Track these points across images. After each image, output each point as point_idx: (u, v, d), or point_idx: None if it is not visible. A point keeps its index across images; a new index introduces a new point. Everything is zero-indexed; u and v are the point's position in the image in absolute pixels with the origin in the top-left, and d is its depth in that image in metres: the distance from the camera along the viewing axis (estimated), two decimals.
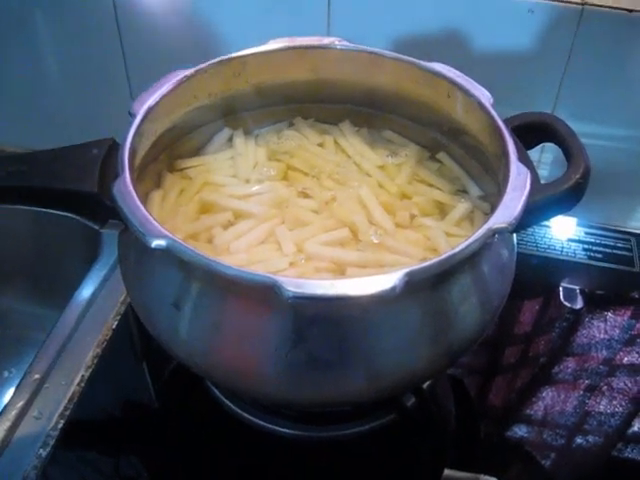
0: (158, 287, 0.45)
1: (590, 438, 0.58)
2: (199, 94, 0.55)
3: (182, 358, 0.47)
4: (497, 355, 0.65)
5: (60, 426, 0.57)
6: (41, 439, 0.56)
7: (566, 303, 0.70)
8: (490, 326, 0.49)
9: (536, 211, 0.46)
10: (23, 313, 0.86)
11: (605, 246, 0.76)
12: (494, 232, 0.42)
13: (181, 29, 0.73)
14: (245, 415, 0.57)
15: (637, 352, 0.65)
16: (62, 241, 0.80)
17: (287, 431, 0.56)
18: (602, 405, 0.61)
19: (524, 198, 0.44)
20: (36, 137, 0.74)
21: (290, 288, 0.37)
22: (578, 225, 0.79)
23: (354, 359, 0.42)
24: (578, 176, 0.47)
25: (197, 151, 0.59)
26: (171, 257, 0.41)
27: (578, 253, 0.75)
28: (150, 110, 0.49)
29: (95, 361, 0.62)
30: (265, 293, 0.38)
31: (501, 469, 0.56)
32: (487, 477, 0.55)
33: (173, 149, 0.57)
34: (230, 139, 0.60)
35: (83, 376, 0.60)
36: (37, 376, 0.60)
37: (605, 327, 0.68)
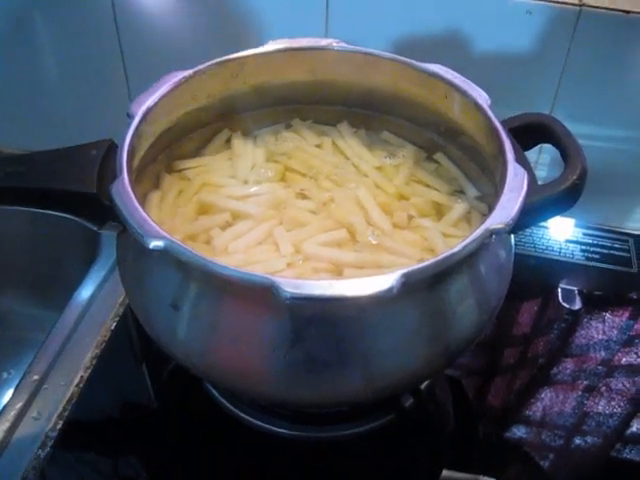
0: (156, 288, 0.45)
1: (588, 439, 0.58)
2: (197, 95, 0.55)
3: (180, 359, 0.47)
4: (496, 356, 0.66)
5: (59, 427, 0.57)
6: (40, 440, 0.56)
7: (564, 304, 0.70)
8: (488, 326, 0.49)
9: (533, 212, 0.46)
10: (22, 314, 0.86)
11: (603, 247, 0.76)
12: (491, 233, 0.42)
13: (179, 30, 0.73)
14: (243, 415, 0.57)
15: (635, 353, 0.66)
16: (61, 242, 0.80)
17: (285, 431, 0.56)
18: (600, 406, 0.61)
19: (521, 199, 0.44)
20: (34, 138, 0.74)
21: (288, 289, 0.37)
22: (576, 226, 0.79)
23: (352, 359, 0.42)
24: (575, 177, 0.47)
25: (195, 152, 0.59)
26: (169, 258, 0.41)
27: (576, 254, 0.75)
28: (149, 111, 0.49)
29: (94, 362, 0.62)
30: (263, 294, 0.38)
31: (499, 470, 0.56)
32: (485, 478, 0.55)
33: (172, 150, 0.57)
34: (228, 140, 0.60)
35: (82, 377, 0.60)
36: (36, 377, 0.60)
37: (603, 328, 0.68)
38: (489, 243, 0.44)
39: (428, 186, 0.57)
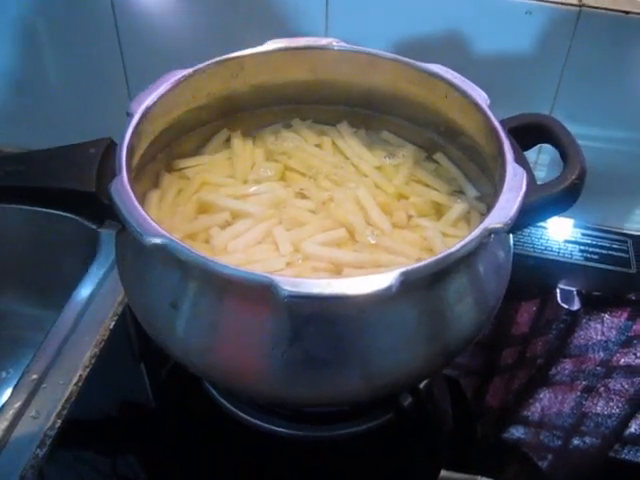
0: (155, 287, 0.45)
1: (587, 439, 0.58)
2: (197, 94, 0.55)
3: (179, 357, 0.47)
4: (494, 356, 0.66)
5: (58, 426, 0.57)
6: (39, 439, 0.56)
7: (563, 304, 0.70)
8: (486, 326, 0.49)
9: (532, 212, 0.46)
10: (21, 314, 0.86)
11: (602, 247, 0.76)
12: (490, 232, 0.42)
13: (179, 29, 0.73)
14: (242, 415, 0.57)
15: (634, 353, 0.66)
16: (60, 241, 0.80)
17: (283, 430, 0.56)
18: (599, 406, 0.61)
19: (520, 198, 0.44)
20: (34, 137, 0.74)
21: (287, 287, 0.37)
22: (575, 226, 0.79)
23: (350, 358, 0.43)
24: (574, 177, 0.47)
25: (195, 151, 0.59)
26: (168, 257, 0.41)
27: (575, 254, 0.75)
28: (148, 110, 0.49)
29: (93, 361, 0.62)
30: (262, 292, 0.38)
31: (498, 470, 0.56)
32: (484, 478, 0.55)
33: (171, 149, 0.57)
34: (228, 139, 0.60)
35: (81, 376, 0.60)
36: (35, 376, 0.60)
37: (602, 328, 0.68)
38: (488, 243, 0.44)
39: (427, 186, 0.57)
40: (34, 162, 0.47)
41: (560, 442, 0.58)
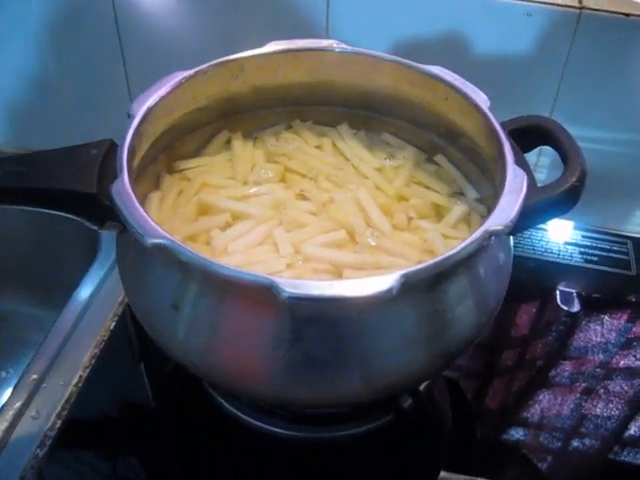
0: (156, 288, 0.45)
1: (587, 441, 0.58)
2: (198, 96, 0.55)
3: (180, 358, 0.47)
4: (494, 358, 0.66)
5: (58, 426, 0.57)
6: (39, 439, 0.56)
7: (563, 306, 0.70)
8: (486, 328, 0.49)
9: (532, 214, 0.46)
10: (21, 314, 0.86)
11: (602, 249, 0.76)
12: (490, 234, 0.42)
13: (180, 30, 0.73)
14: (242, 415, 0.57)
15: (634, 355, 0.66)
16: (60, 242, 0.80)
17: (283, 432, 0.56)
18: (599, 408, 0.61)
19: (520, 201, 0.44)
20: (35, 138, 0.74)
21: (287, 289, 0.37)
22: (575, 228, 0.79)
23: (351, 360, 0.43)
24: (574, 179, 0.47)
25: (196, 152, 0.59)
26: (169, 258, 0.41)
27: (575, 256, 0.75)
28: (149, 111, 0.49)
29: (93, 361, 0.62)
30: (262, 294, 0.38)
31: (497, 472, 0.56)
32: None
33: (172, 150, 0.57)
34: (228, 141, 0.60)
35: (81, 376, 0.60)
36: (35, 376, 0.60)
37: (602, 330, 0.68)
38: (488, 245, 0.44)
39: (428, 188, 0.57)
40: (35, 163, 0.48)
41: (560, 444, 0.58)
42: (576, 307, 0.70)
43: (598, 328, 0.68)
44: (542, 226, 0.78)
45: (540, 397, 0.61)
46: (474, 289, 0.45)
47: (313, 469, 0.56)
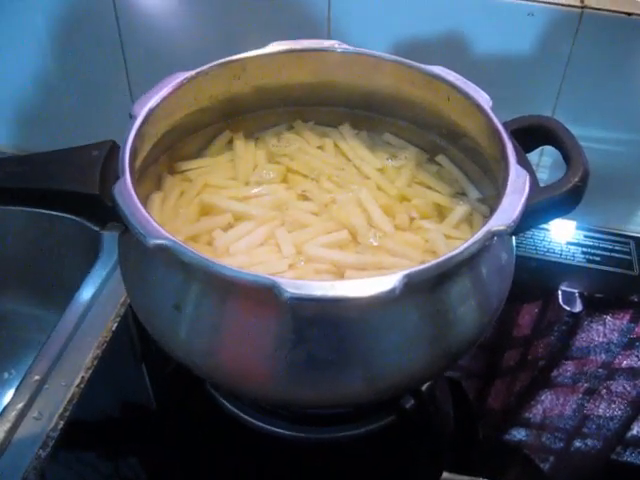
0: (158, 288, 0.45)
1: (589, 442, 0.58)
2: (200, 96, 0.55)
3: (182, 359, 0.47)
4: (496, 358, 0.65)
5: (60, 427, 0.57)
6: (41, 440, 0.56)
7: (565, 306, 0.70)
8: (489, 328, 0.49)
9: (535, 214, 0.46)
10: (23, 315, 0.87)
11: (604, 249, 0.76)
12: (493, 234, 0.42)
13: (182, 31, 0.73)
14: (243, 416, 0.57)
15: (636, 355, 0.65)
16: (62, 242, 0.80)
17: (285, 432, 0.56)
18: (601, 408, 0.61)
19: (523, 201, 0.44)
20: (36, 139, 0.74)
21: (289, 289, 0.37)
22: (577, 228, 0.79)
23: (353, 360, 0.43)
24: (577, 179, 0.47)
25: (198, 153, 0.59)
26: (171, 258, 0.41)
27: (577, 256, 0.75)
28: (151, 112, 0.49)
29: (95, 362, 0.62)
30: (265, 294, 0.38)
31: (499, 472, 0.56)
32: None
33: (173, 151, 0.57)
34: (230, 141, 0.60)
35: (83, 377, 0.60)
36: (37, 377, 0.60)
37: (604, 330, 0.68)
38: (491, 245, 0.44)
39: (430, 188, 0.57)
40: (37, 164, 0.48)
41: (562, 444, 0.58)
42: (578, 307, 0.70)
43: (600, 328, 0.68)
44: (544, 226, 0.78)
45: (542, 397, 0.61)
46: (476, 289, 0.45)
47: (315, 470, 0.56)
